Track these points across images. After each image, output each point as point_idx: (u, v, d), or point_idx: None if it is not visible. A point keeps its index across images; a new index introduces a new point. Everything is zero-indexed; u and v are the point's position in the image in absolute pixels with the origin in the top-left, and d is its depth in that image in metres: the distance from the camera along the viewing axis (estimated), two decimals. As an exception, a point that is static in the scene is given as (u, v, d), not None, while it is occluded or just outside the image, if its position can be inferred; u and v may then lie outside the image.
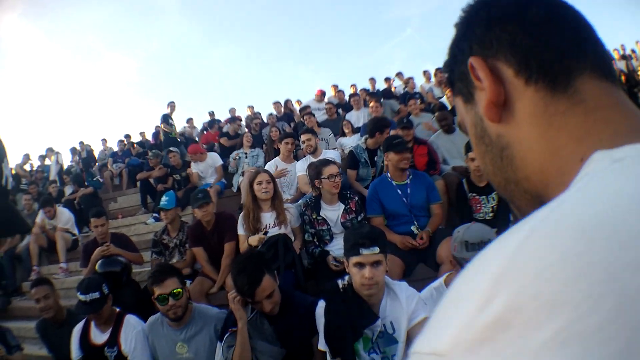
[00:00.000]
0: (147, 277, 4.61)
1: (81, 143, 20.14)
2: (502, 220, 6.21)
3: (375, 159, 8.06)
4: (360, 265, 3.44)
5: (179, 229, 7.46)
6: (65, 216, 11.40)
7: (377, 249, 3.40)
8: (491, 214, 6.36)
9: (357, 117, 12.46)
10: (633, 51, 18.56)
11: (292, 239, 6.20)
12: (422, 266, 5.91)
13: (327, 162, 6.30)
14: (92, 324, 5.26)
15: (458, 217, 6.67)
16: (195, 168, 11.79)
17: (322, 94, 16.71)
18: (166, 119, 15.73)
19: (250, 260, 4.13)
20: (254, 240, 6.09)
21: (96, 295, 5.05)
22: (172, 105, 16.28)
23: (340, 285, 3.79)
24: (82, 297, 5.06)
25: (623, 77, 14.65)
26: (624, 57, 17.71)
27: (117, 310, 5.34)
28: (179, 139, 16.30)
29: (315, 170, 6.29)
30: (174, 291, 4.42)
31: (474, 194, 6.49)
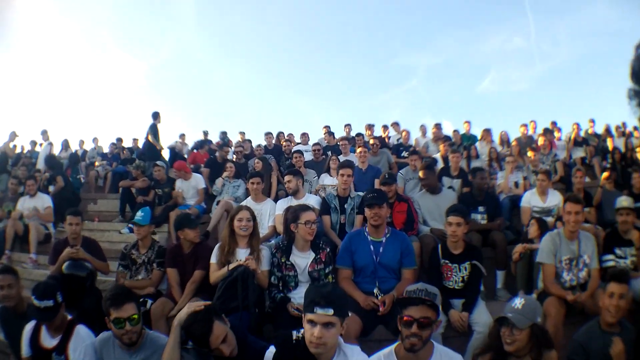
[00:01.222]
0: (105, 298, 4.56)
1: (81, 141, 20.33)
2: (470, 291, 6.21)
3: (345, 206, 8.12)
4: (312, 323, 3.41)
5: (149, 247, 7.44)
6: (44, 200, 11.54)
7: (331, 311, 3.37)
8: (461, 284, 6.29)
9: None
10: (636, 128, 18.43)
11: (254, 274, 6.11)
12: (382, 328, 5.86)
13: (305, 207, 6.30)
14: (43, 327, 5.23)
15: (428, 282, 6.57)
16: (178, 185, 11.84)
17: (307, 136, 17.05)
18: (154, 130, 15.79)
19: (198, 313, 4.14)
20: (232, 265, 6.15)
21: (50, 303, 5.02)
22: (157, 115, 16.22)
23: (294, 337, 3.78)
24: (36, 302, 5.03)
25: (618, 156, 14.69)
26: (623, 134, 17.70)
27: (69, 317, 5.30)
28: (162, 153, 16.45)
29: (293, 215, 6.26)
30: (132, 316, 4.40)
31: (447, 261, 6.39)
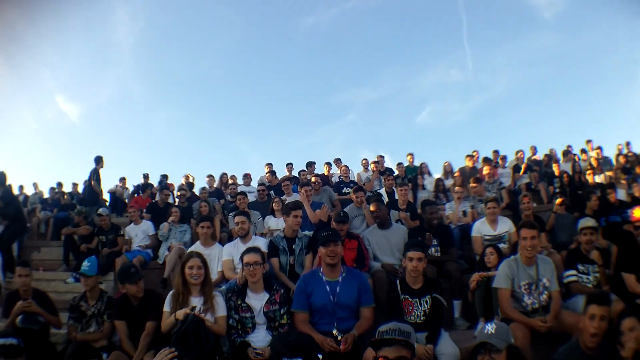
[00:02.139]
0: (67, 354, 4.41)
1: (20, 187, 19.66)
2: (433, 324, 6.12)
3: (294, 247, 8.02)
4: None
5: (97, 298, 7.23)
6: None
7: None
8: (422, 317, 6.21)
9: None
10: (583, 151, 19.09)
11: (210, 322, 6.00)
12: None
13: (249, 250, 6.32)
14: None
15: (388, 319, 6.47)
16: (131, 231, 11.74)
17: (249, 177, 16.87)
18: (96, 175, 15.47)
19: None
20: (180, 314, 5.91)
21: (13, 341, 4.94)
22: (100, 159, 15.85)
23: None
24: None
25: (566, 179, 15.00)
26: (570, 157, 18.14)
27: None
28: (102, 197, 16.17)
29: (240, 259, 6.33)
30: (93, 373, 4.26)
31: (407, 296, 6.32)
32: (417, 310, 6.27)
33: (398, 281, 6.55)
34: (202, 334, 5.63)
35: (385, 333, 3.74)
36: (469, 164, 16.32)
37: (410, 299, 6.30)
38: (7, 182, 12.77)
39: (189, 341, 5.58)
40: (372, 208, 9.27)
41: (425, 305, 6.26)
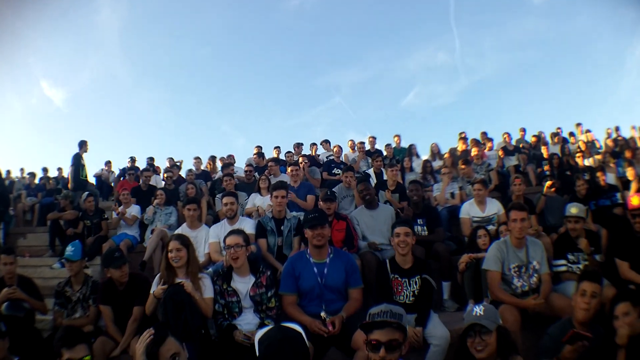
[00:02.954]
0: (56, 338, 4.32)
1: (7, 172, 19.56)
2: (422, 305, 6.07)
3: (282, 228, 8.00)
4: None
5: (82, 283, 7.14)
6: None
7: None
8: (412, 298, 6.16)
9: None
10: (571, 134, 19.16)
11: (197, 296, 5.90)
12: (334, 350, 5.70)
13: (231, 232, 6.22)
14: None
15: (377, 300, 6.26)
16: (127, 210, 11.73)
17: (233, 158, 17.01)
18: (77, 159, 15.25)
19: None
20: (157, 291, 5.95)
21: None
22: (84, 144, 15.63)
23: None
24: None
25: (556, 161, 14.97)
26: (559, 140, 18.19)
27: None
28: (88, 181, 16.00)
29: (224, 240, 6.23)
30: (84, 358, 4.17)
31: (396, 276, 6.26)
32: (406, 290, 6.22)
33: (387, 260, 6.49)
34: (185, 302, 5.61)
35: (376, 315, 3.65)
36: (462, 146, 16.27)
37: (399, 279, 6.26)
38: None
39: (173, 311, 5.57)
40: (360, 187, 9.21)
41: (415, 286, 6.21)
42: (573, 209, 7.64)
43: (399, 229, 6.31)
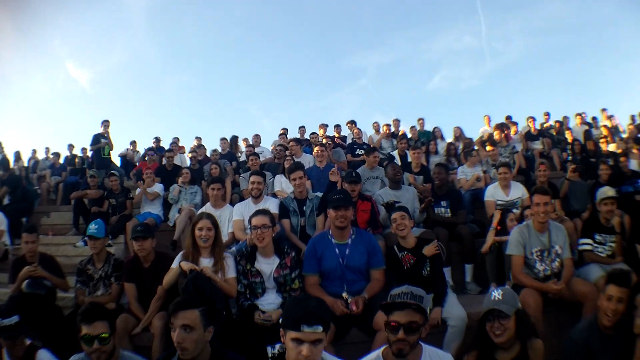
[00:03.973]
0: (78, 313, 4.33)
1: (33, 151, 19.93)
2: (437, 283, 6.18)
3: (304, 208, 7.98)
4: (299, 341, 3.14)
5: (105, 260, 7.14)
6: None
7: (320, 328, 3.13)
8: (428, 270, 6.31)
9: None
10: (594, 119, 18.91)
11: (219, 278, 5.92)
12: (355, 330, 5.71)
13: (258, 212, 6.18)
14: (5, 354, 4.96)
15: (397, 281, 6.35)
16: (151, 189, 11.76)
17: (259, 138, 16.74)
18: (97, 139, 15.33)
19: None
20: (185, 265, 5.91)
21: (15, 319, 4.90)
22: (106, 123, 15.72)
23: (270, 354, 3.60)
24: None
25: (578, 147, 14.77)
26: (583, 124, 18.06)
27: (29, 342, 5.05)
28: (111, 160, 16.08)
29: (249, 220, 6.20)
30: (102, 335, 4.15)
31: (407, 252, 6.43)
32: (421, 264, 6.31)
33: (395, 246, 6.60)
34: (206, 287, 5.55)
35: (397, 297, 3.66)
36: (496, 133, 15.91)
37: (411, 255, 6.37)
38: (12, 166, 12.86)
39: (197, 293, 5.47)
40: (390, 169, 9.18)
41: (427, 266, 6.32)
42: (609, 192, 7.59)
43: (395, 215, 6.53)
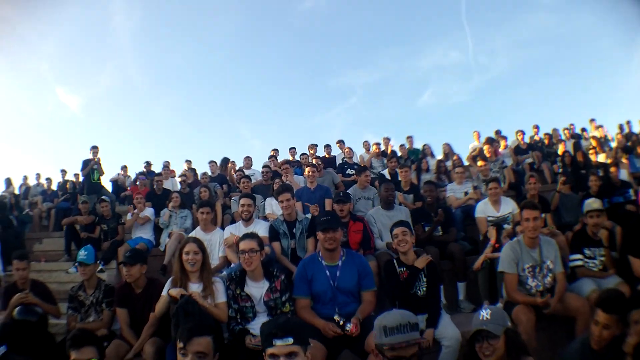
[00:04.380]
0: (67, 339, 4.34)
1: (24, 177, 19.88)
2: (432, 304, 6.13)
3: (294, 230, 7.95)
4: (274, 357, 3.17)
5: (95, 287, 7.17)
6: None
7: (290, 340, 3.15)
8: (424, 289, 6.28)
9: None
10: (584, 130, 19.02)
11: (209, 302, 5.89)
12: (347, 352, 5.57)
13: (245, 236, 6.14)
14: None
15: (391, 298, 6.50)
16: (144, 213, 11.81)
17: (250, 160, 16.67)
18: (86, 165, 15.40)
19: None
20: (174, 291, 5.86)
21: (2, 350, 4.86)
22: (94, 150, 15.75)
23: None
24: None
25: (568, 159, 14.79)
26: (573, 136, 18.14)
27: None
28: (102, 185, 16.10)
29: (237, 244, 6.18)
30: (90, 360, 4.16)
31: (405, 269, 6.38)
32: (417, 283, 6.29)
33: (394, 260, 6.57)
34: (196, 312, 5.50)
35: (394, 330, 3.53)
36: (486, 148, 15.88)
37: (409, 272, 6.32)
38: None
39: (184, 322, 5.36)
40: (384, 188, 9.11)
41: (424, 278, 6.29)
42: (594, 204, 7.63)
43: (396, 230, 6.45)
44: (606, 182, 11.39)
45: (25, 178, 19.91)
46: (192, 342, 3.66)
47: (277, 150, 16.96)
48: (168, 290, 6.02)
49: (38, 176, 19.74)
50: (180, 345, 3.73)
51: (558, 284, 6.35)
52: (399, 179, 11.76)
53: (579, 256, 7.33)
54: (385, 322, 3.59)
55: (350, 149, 16.18)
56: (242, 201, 8.48)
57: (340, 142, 17.44)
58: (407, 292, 6.24)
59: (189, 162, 18.29)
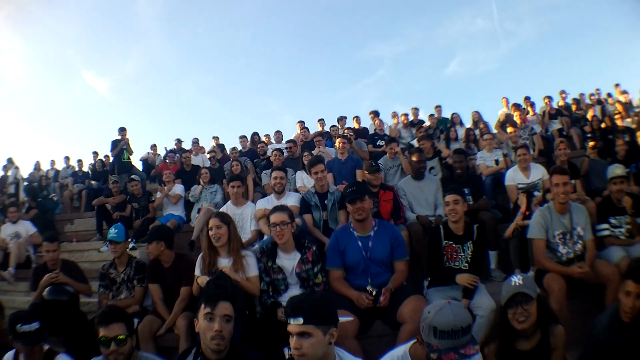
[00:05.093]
0: (95, 316, 4.37)
1: (52, 161, 20.24)
2: (475, 271, 6.02)
3: (326, 202, 7.96)
4: (291, 334, 3.19)
5: (126, 264, 7.21)
6: (27, 227, 11.61)
7: (300, 320, 3.13)
8: (465, 264, 6.13)
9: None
10: (609, 95, 18.78)
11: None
12: (380, 323, 5.67)
13: (275, 209, 6.13)
14: (22, 359, 4.98)
15: (426, 266, 6.54)
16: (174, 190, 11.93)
17: (281, 134, 16.85)
18: (115, 145, 15.68)
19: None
20: (202, 280, 5.90)
21: (35, 325, 4.90)
22: (123, 132, 16.04)
23: (287, 355, 3.58)
24: (20, 329, 4.86)
25: (596, 123, 14.72)
26: (599, 102, 17.95)
27: (47, 348, 5.07)
28: (132, 164, 16.38)
29: (268, 217, 6.16)
30: (118, 337, 4.17)
31: (451, 242, 6.23)
32: (461, 256, 6.17)
33: (441, 226, 6.42)
34: (228, 287, 5.45)
35: (445, 334, 3.26)
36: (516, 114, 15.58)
37: (454, 245, 6.21)
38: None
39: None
40: (414, 158, 9.00)
41: (468, 252, 6.17)
42: (617, 170, 7.46)
43: (447, 198, 6.26)
44: (633, 147, 11.23)
45: (52, 162, 20.26)
46: (218, 305, 3.77)
47: (302, 122, 16.68)
48: (196, 279, 6.14)
49: (67, 159, 19.93)
50: (207, 310, 3.79)
51: (588, 250, 6.27)
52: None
53: (606, 225, 7.17)
54: (437, 322, 3.32)
55: (381, 120, 16.05)
56: (275, 174, 8.48)
57: (374, 113, 17.06)
58: (447, 266, 6.18)
59: (216, 138, 18.36)
